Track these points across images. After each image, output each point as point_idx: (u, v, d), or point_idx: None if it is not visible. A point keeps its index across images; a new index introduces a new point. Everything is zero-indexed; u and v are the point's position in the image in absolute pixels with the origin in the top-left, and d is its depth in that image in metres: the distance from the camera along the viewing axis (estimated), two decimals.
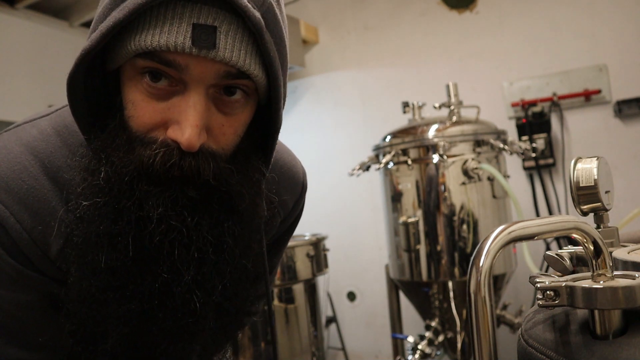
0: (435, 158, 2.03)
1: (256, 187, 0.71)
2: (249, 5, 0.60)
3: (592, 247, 0.47)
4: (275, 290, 2.22)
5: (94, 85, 0.68)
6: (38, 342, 0.75)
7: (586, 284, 0.45)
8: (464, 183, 2.01)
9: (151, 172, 0.62)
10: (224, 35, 0.60)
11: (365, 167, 2.30)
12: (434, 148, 2.04)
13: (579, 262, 0.60)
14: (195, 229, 0.65)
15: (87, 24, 3.04)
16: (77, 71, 0.64)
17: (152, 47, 0.59)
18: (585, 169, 0.59)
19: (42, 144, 0.71)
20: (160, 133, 0.63)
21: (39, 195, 0.69)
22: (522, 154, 2.07)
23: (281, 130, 0.74)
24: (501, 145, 2.02)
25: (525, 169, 2.64)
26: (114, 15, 0.59)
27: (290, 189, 0.92)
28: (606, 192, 0.60)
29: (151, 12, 0.59)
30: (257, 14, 0.61)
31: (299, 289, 2.24)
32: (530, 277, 0.51)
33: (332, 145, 3.19)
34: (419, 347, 2.07)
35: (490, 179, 2.05)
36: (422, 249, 2.06)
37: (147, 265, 0.66)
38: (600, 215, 0.61)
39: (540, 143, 2.57)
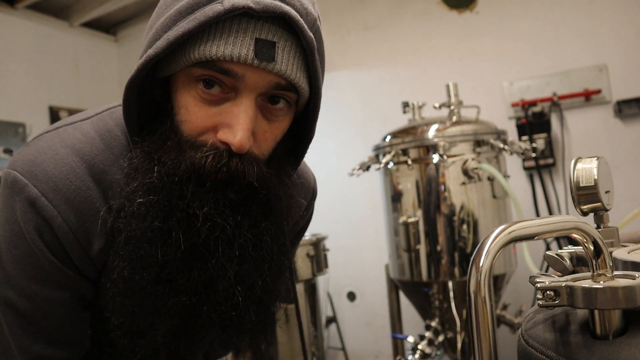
0: (435, 158, 2.03)
1: (288, 191, 0.76)
2: (305, 26, 0.66)
3: (592, 247, 0.47)
4: None
5: (145, 90, 0.72)
6: (63, 338, 0.78)
7: (586, 284, 0.45)
8: (464, 183, 2.02)
9: (202, 173, 0.67)
10: (281, 50, 0.66)
11: (365, 167, 2.30)
12: (434, 148, 2.04)
13: (579, 262, 0.60)
14: (237, 227, 0.69)
15: (87, 24, 3.04)
16: (138, 76, 0.67)
17: (216, 57, 0.64)
18: (585, 169, 0.59)
19: (87, 147, 0.75)
20: (210, 136, 0.68)
21: (85, 195, 0.72)
22: (522, 154, 2.06)
23: None
24: (501, 145, 2.02)
25: (525, 169, 2.64)
26: (182, 26, 0.64)
27: (302, 195, 0.96)
28: (606, 192, 0.60)
29: (217, 25, 0.64)
30: (311, 34, 0.67)
31: (299, 288, 2.24)
32: (530, 277, 0.51)
33: (332, 145, 3.19)
34: (419, 347, 2.07)
35: (490, 179, 2.05)
36: (422, 249, 2.06)
37: (194, 261, 0.70)
38: (600, 215, 0.61)
39: (540, 143, 2.57)
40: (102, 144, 0.76)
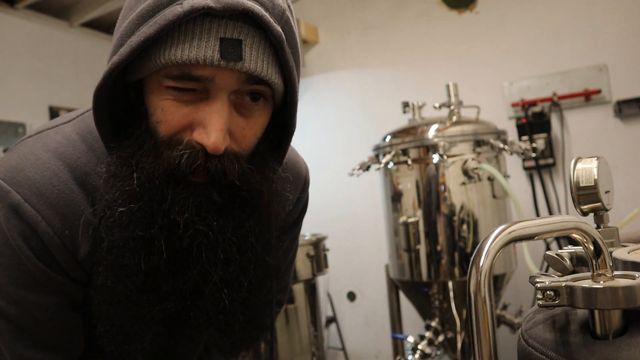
0: (435, 158, 2.03)
1: (272, 186, 0.75)
2: (272, 20, 0.64)
3: (592, 247, 0.47)
4: None
5: (115, 95, 0.71)
6: (55, 343, 0.77)
7: (586, 284, 0.45)
8: (464, 183, 2.01)
9: (178, 174, 0.65)
10: (249, 47, 0.64)
11: (365, 167, 2.30)
12: (434, 148, 2.04)
13: (579, 262, 0.60)
14: (220, 231, 0.68)
15: (87, 24, 3.04)
16: (105, 84, 0.66)
17: (182, 61, 0.62)
18: (585, 169, 0.59)
19: (69, 150, 0.74)
20: (186, 135, 0.67)
21: (69, 199, 0.72)
22: (522, 154, 2.06)
23: None
24: (501, 145, 2.02)
25: (525, 169, 2.64)
26: (144, 31, 0.62)
27: (294, 184, 0.94)
28: (606, 192, 0.60)
29: (180, 27, 0.63)
30: (279, 28, 0.65)
31: (299, 289, 2.24)
32: (530, 277, 0.51)
33: (332, 145, 3.19)
34: (419, 347, 2.07)
35: (490, 179, 2.05)
36: (422, 249, 2.06)
37: (178, 267, 0.69)
38: (600, 215, 0.61)
39: (540, 143, 2.57)
40: (85, 146, 0.74)
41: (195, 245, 0.67)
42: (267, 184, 0.73)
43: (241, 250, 0.71)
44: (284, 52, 0.66)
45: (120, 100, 0.72)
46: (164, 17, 0.61)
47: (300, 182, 0.97)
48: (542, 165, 2.59)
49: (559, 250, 0.60)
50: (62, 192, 0.71)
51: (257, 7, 0.63)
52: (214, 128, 0.64)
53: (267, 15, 0.64)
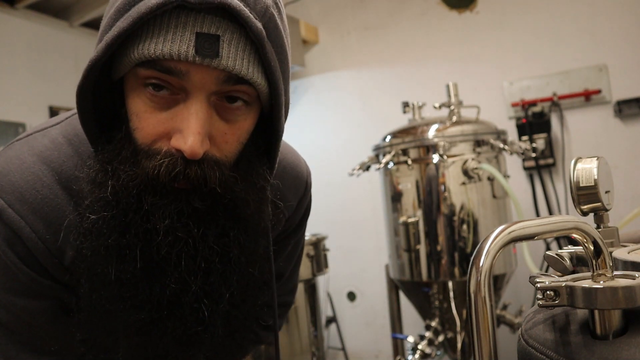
0: (435, 158, 2.03)
1: (261, 194, 0.71)
2: (251, 16, 0.61)
3: (592, 247, 0.47)
4: None
5: (101, 96, 0.69)
6: (50, 346, 0.76)
7: (586, 284, 0.45)
8: (464, 183, 2.01)
9: (157, 183, 0.63)
10: (227, 44, 0.60)
11: (365, 167, 2.30)
12: (434, 148, 2.04)
13: (579, 262, 0.60)
14: (201, 239, 0.65)
15: (87, 24, 3.04)
16: (86, 83, 0.64)
17: (155, 56, 0.59)
18: (585, 169, 0.59)
19: (55, 153, 0.72)
20: (164, 143, 0.63)
21: (53, 204, 0.70)
22: (522, 154, 2.06)
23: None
24: (501, 145, 2.02)
25: (525, 169, 2.64)
26: (118, 25, 0.60)
27: (294, 188, 0.92)
28: (606, 192, 0.60)
29: (154, 21, 0.60)
30: (259, 25, 0.61)
31: (299, 289, 2.24)
32: (530, 277, 0.51)
33: (332, 145, 3.19)
34: (419, 347, 2.07)
35: (490, 179, 2.05)
36: (422, 249, 2.06)
37: (156, 276, 0.66)
38: (600, 215, 0.61)
39: (540, 143, 2.57)
40: (70, 149, 0.73)
41: (174, 252, 0.64)
42: (253, 192, 0.69)
43: (224, 260, 0.68)
44: (264, 50, 0.62)
45: (106, 101, 0.70)
46: (138, 10, 0.59)
47: (301, 185, 0.94)
48: (542, 165, 2.59)
49: (559, 250, 0.60)
50: (45, 197, 0.70)
51: (236, 2, 0.59)
52: (191, 132, 0.60)
53: (246, 10, 0.60)
